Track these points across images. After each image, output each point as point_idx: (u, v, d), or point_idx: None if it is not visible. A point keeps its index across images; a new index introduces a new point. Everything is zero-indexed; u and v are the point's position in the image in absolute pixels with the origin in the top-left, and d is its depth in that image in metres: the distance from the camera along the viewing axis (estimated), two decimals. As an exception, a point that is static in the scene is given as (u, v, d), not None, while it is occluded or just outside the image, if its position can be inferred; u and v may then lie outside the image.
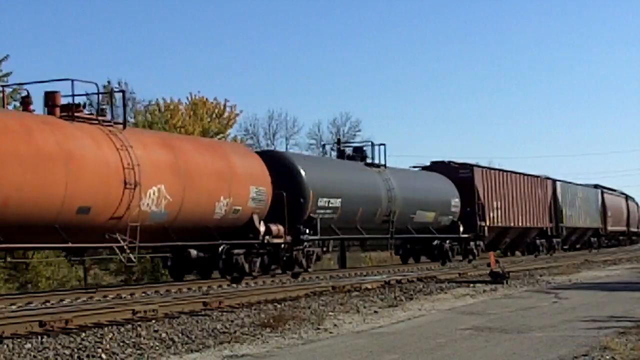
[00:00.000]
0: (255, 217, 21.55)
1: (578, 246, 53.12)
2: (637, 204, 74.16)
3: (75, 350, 9.66)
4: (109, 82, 38.34)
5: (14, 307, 14.80)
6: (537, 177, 43.85)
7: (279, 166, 23.61)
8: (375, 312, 14.02)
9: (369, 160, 30.52)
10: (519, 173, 41.36)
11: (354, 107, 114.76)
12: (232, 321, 12.39)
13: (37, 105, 17.90)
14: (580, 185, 52.60)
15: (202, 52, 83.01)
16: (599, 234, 55.93)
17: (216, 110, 40.35)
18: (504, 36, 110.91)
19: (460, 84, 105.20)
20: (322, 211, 24.88)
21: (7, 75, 27.42)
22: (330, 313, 13.65)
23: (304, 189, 24.13)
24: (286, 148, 56.19)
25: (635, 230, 70.87)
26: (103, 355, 9.43)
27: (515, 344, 10.13)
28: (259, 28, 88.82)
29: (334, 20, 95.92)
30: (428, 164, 37.86)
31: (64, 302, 15.96)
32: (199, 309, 13.74)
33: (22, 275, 25.95)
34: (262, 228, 21.72)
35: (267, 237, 22.00)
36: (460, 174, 35.27)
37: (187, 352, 9.90)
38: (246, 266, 21.57)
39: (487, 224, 35.64)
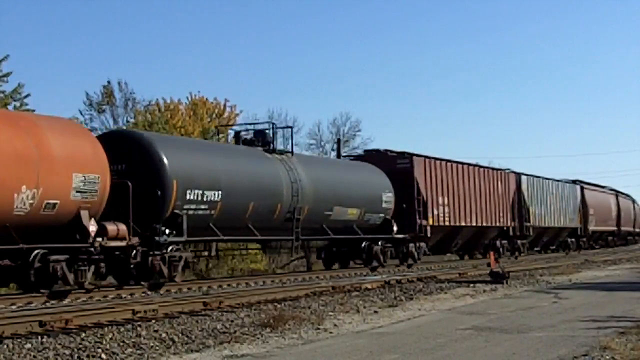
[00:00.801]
0: (84, 214, 16.76)
1: (553, 247, 48.58)
2: (634, 201, 70.56)
3: (75, 350, 9.67)
4: (109, 82, 38.27)
5: (14, 307, 14.79)
6: (497, 169, 38.93)
7: (133, 150, 19.31)
8: (375, 312, 14.03)
9: (286, 148, 26.09)
10: (473, 165, 36.19)
11: (354, 107, 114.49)
12: (232, 321, 12.39)
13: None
14: (554, 180, 46.65)
15: (202, 52, 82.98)
16: (577, 234, 49.97)
17: (216, 110, 40.35)
18: (504, 36, 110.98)
19: (460, 84, 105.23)
20: (192, 206, 19.87)
21: (7, 75, 27.46)
22: (330, 313, 13.65)
23: (164, 178, 19.12)
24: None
25: (630, 229, 66.31)
26: (103, 355, 9.44)
27: (515, 344, 10.13)
28: (259, 28, 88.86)
29: (334, 21, 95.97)
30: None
31: (64, 302, 15.95)
32: (199, 309, 13.74)
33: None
34: (92, 228, 16.97)
35: (99, 239, 17.18)
36: (397, 165, 30.30)
37: (187, 352, 9.90)
38: (70, 277, 16.70)
39: (431, 222, 30.68)
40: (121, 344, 10.15)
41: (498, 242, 38.33)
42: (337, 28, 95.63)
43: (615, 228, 59.24)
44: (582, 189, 51.19)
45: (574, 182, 51.12)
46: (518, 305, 15.15)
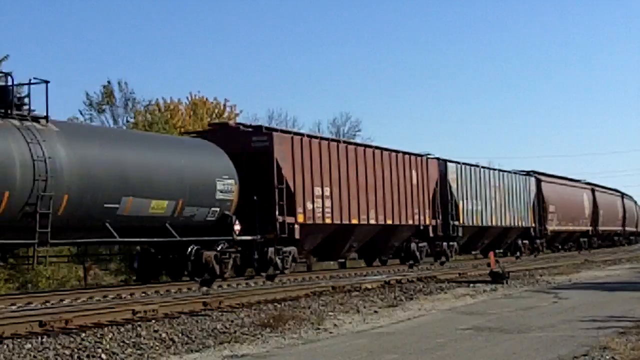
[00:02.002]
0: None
1: (500, 251, 39.31)
2: (623, 197, 64.81)
3: (75, 350, 9.67)
4: (109, 82, 38.30)
5: (14, 307, 14.79)
6: (411, 154, 30.41)
7: None
8: (375, 312, 14.03)
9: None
10: (371, 146, 28.62)
11: (354, 107, 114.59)
12: (232, 321, 12.39)
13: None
14: (499, 170, 38.85)
15: (202, 52, 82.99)
16: (531, 236, 42.12)
17: (216, 110, 40.39)
18: (504, 36, 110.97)
19: (460, 84, 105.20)
20: None
21: (7, 75, 27.36)
22: (330, 313, 13.65)
23: None
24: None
25: (611, 229, 58.67)
26: (103, 355, 9.44)
27: (515, 344, 10.13)
28: (259, 28, 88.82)
29: (334, 21, 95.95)
30: None
31: (64, 302, 15.95)
32: (199, 309, 13.74)
33: (22, 275, 25.97)
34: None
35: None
36: (253, 144, 23.05)
37: (187, 352, 9.91)
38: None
39: (301, 220, 23.42)
40: (121, 344, 10.15)
41: (414, 245, 30.77)
42: (337, 28, 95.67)
43: (588, 227, 51.83)
44: (538, 181, 43.17)
45: (528, 173, 43.15)
46: (518, 305, 15.15)
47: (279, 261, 22.92)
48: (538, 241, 43.28)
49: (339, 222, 25.42)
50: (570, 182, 51.19)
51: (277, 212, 22.56)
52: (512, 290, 18.90)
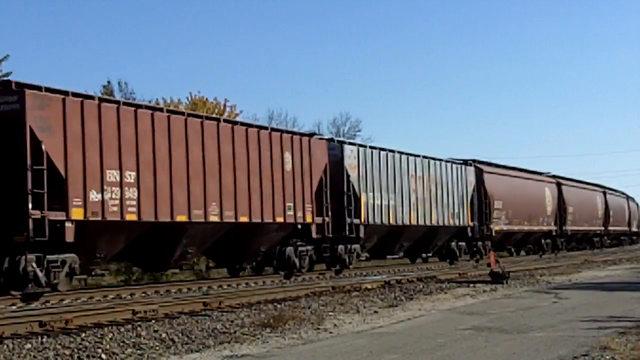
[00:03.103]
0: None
1: (428, 255, 33.28)
2: (605, 193, 56.65)
3: (75, 350, 9.67)
4: (109, 82, 38.32)
5: (14, 307, 14.80)
6: (279, 131, 23.51)
7: None
8: (375, 312, 14.02)
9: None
10: (205, 117, 21.36)
11: (354, 107, 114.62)
12: (232, 321, 12.39)
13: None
14: (424, 157, 31.08)
15: (202, 52, 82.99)
16: (468, 237, 34.39)
17: (216, 110, 40.35)
18: (504, 36, 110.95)
19: (460, 84, 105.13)
20: None
21: (7, 75, 27.52)
22: (330, 313, 13.65)
23: None
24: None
25: (587, 229, 50.89)
26: (103, 355, 9.43)
27: (515, 344, 10.13)
28: (259, 28, 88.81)
29: (334, 20, 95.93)
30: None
31: (64, 302, 15.96)
32: (199, 309, 13.75)
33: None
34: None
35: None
36: None
37: (187, 352, 9.90)
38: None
39: (80, 216, 16.88)
40: (121, 344, 10.15)
41: (290, 250, 23.56)
42: (337, 28, 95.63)
43: (554, 227, 44.54)
44: (479, 172, 35.77)
45: (466, 162, 35.42)
46: (518, 305, 15.14)
47: (43, 278, 16.29)
48: (480, 243, 35.37)
49: (151, 219, 18.47)
50: (525, 174, 42.65)
51: (30, 204, 15.93)
52: (512, 290, 18.90)
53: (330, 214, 24.83)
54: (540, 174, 45.74)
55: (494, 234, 36.41)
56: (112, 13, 78.75)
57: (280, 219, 22.66)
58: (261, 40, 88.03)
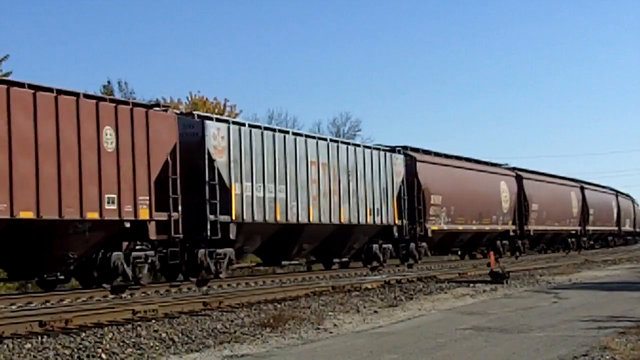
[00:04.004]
0: None
1: (345, 260, 27.50)
2: (583, 189, 50.55)
3: (75, 350, 9.67)
4: (109, 82, 38.31)
5: (14, 307, 14.80)
6: (91, 97, 17.45)
7: None
8: (375, 312, 14.03)
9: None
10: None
11: (354, 107, 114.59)
12: (232, 321, 12.40)
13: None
14: (332, 140, 26.12)
15: (202, 52, 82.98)
16: (394, 238, 28.66)
17: (216, 110, 40.38)
18: (504, 36, 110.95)
19: (460, 84, 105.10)
20: None
21: (7, 75, 27.55)
22: (330, 313, 13.65)
23: None
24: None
25: (555, 229, 44.54)
26: (103, 355, 9.44)
27: (515, 344, 10.13)
28: (259, 28, 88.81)
29: (334, 20, 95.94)
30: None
31: (64, 302, 15.96)
32: (199, 309, 13.76)
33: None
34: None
35: None
36: None
37: (187, 352, 9.91)
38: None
39: None
40: (121, 344, 10.16)
41: (117, 256, 18.04)
42: (337, 28, 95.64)
43: (511, 227, 38.83)
44: (411, 161, 30.28)
45: (394, 149, 29.54)
46: (518, 305, 15.15)
47: None
48: (412, 245, 29.93)
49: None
50: (474, 165, 36.36)
51: None
52: (512, 290, 18.90)
53: (180, 208, 18.95)
54: (495, 165, 39.65)
55: (430, 234, 30.57)
56: (112, 13, 78.78)
57: (93, 215, 16.89)
58: (261, 40, 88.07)
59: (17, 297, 16.46)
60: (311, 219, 23.82)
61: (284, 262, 24.97)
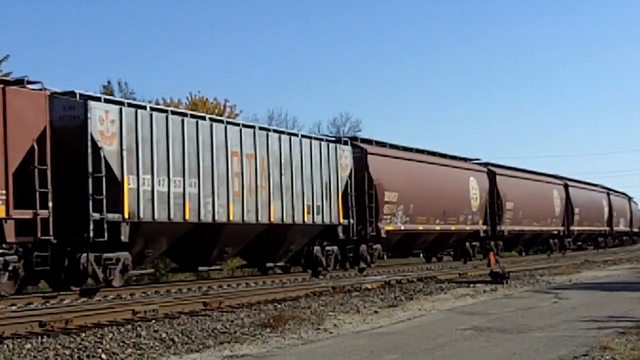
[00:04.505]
0: None
1: (282, 264, 24.67)
2: (567, 187, 47.41)
3: (75, 350, 9.67)
4: (109, 82, 38.23)
5: (14, 307, 14.80)
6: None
7: None
8: (375, 312, 14.03)
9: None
10: None
11: (354, 107, 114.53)
12: (232, 321, 12.40)
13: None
14: (262, 128, 22.94)
15: (202, 52, 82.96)
16: (339, 239, 25.49)
17: (216, 111, 40.34)
18: (503, 36, 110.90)
19: (460, 84, 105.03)
20: None
21: (7, 75, 27.52)
22: (330, 313, 13.65)
23: None
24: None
25: (536, 229, 41.82)
26: (103, 355, 9.44)
27: (515, 344, 10.13)
28: (259, 28, 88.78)
29: (334, 20, 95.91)
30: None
31: (64, 302, 15.96)
32: (199, 309, 13.76)
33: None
34: None
35: None
36: None
37: (187, 352, 9.90)
38: None
39: None
40: (121, 344, 10.15)
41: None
42: (337, 28, 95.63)
43: (482, 227, 35.68)
44: (361, 154, 27.08)
45: (339, 139, 26.81)
46: (518, 305, 15.15)
47: None
48: (363, 247, 26.58)
49: None
50: (437, 160, 33.18)
51: None
52: (512, 290, 18.90)
53: (50, 205, 15.94)
54: (464, 159, 36.45)
55: (384, 234, 27.46)
56: (112, 13, 78.79)
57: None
58: (261, 40, 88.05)
59: (17, 297, 16.46)
60: (231, 218, 20.59)
61: (201, 268, 21.69)
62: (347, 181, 25.91)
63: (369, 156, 27.33)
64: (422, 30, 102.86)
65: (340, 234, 25.45)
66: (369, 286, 18.84)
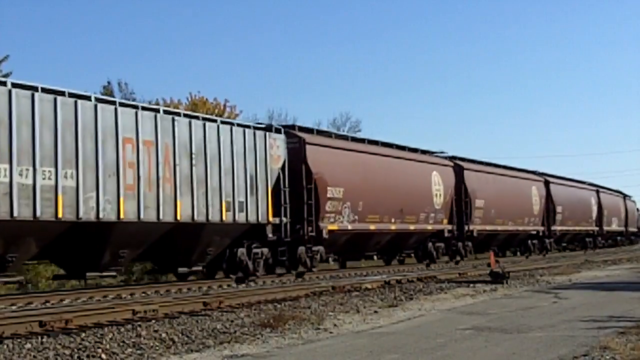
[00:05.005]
0: None
1: (199, 269, 21.39)
2: (548, 184, 43.99)
3: (75, 350, 9.67)
4: (109, 82, 38.29)
5: (14, 307, 14.80)
6: None
7: None
8: (375, 312, 14.02)
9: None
10: None
11: (354, 107, 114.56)
12: (232, 321, 12.39)
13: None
14: (152, 109, 19.58)
15: (202, 52, 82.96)
16: (267, 240, 22.47)
17: (216, 111, 40.38)
18: (503, 36, 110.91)
19: (460, 84, 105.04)
20: None
21: (7, 75, 27.58)
22: (330, 313, 13.65)
23: None
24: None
25: (504, 229, 37.86)
26: (103, 355, 9.43)
27: (515, 344, 10.13)
28: (259, 28, 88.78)
29: (334, 20, 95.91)
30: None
31: (64, 302, 15.96)
32: (199, 309, 13.76)
33: (22, 275, 25.73)
34: None
35: None
36: None
37: (187, 352, 9.90)
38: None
39: None
40: (121, 344, 10.15)
41: None
42: (337, 28, 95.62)
43: (446, 226, 32.50)
44: (298, 144, 23.89)
45: (269, 128, 23.22)
46: (518, 305, 15.14)
47: None
48: (301, 249, 23.73)
49: None
50: (392, 152, 29.88)
51: None
52: (512, 290, 18.90)
53: None
54: (426, 152, 33.26)
55: (326, 235, 24.33)
56: (112, 13, 78.78)
57: None
58: (261, 40, 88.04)
59: (17, 297, 16.46)
60: (123, 216, 17.56)
61: (90, 274, 18.54)
62: (279, 174, 22.66)
63: (307, 146, 23.93)
64: (422, 31, 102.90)
65: (270, 234, 22.29)
66: (369, 286, 18.84)
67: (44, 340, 10.25)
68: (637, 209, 70.94)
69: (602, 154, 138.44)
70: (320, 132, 26.83)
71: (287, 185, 22.95)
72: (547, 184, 43.77)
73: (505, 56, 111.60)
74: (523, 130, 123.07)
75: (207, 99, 40.53)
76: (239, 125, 21.84)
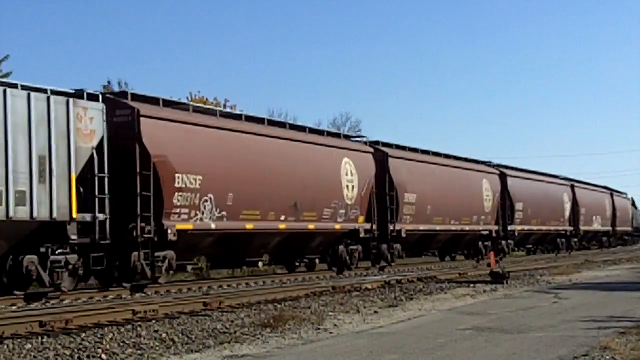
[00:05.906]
0: None
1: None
2: (507, 177, 37.94)
3: (75, 350, 9.67)
4: (109, 82, 38.22)
5: (14, 307, 14.80)
6: None
7: None
8: (375, 312, 14.02)
9: None
10: None
11: (354, 107, 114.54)
12: (232, 321, 12.39)
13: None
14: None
15: (202, 52, 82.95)
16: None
17: (216, 111, 40.32)
18: (504, 36, 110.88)
19: (460, 84, 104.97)
20: None
21: (7, 75, 27.61)
22: (330, 313, 13.65)
23: None
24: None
25: (454, 229, 32.47)
26: (103, 356, 9.43)
27: (515, 344, 10.13)
28: (259, 28, 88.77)
29: (334, 20, 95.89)
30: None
31: (64, 302, 15.96)
32: (199, 309, 13.76)
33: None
34: None
35: None
36: None
37: (187, 352, 9.90)
38: None
39: None
40: (121, 344, 10.15)
41: None
42: (337, 28, 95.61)
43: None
44: (133, 114, 18.21)
45: (85, 95, 17.23)
46: (518, 305, 15.14)
47: None
48: (135, 255, 18.18)
49: None
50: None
51: None
52: (512, 290, 18.90)
53: None
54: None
55: (173, 236, 18.63)
56: (112, 13, 78.78)
57: None
58: (261, 40, 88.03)
59: (17, 297, 16.45)
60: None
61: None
62: (91, 155, 17.09)
63: (143, 120, 18.20)
64: (422, 31, 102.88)
65: (74, 235, 16.68)
66: (369, 286, 18.84)
67: (44, 340, 10.25)
68: (636, 208, 70.51)
69: (602, 154, 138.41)
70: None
71: (106, 171, 17.34)
72: (503, 176, 37.73)
73: (504, 56, 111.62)
74: (523, 130, 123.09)
75: (207, 99, 40.50)
76: (23, 87, 16.05)
